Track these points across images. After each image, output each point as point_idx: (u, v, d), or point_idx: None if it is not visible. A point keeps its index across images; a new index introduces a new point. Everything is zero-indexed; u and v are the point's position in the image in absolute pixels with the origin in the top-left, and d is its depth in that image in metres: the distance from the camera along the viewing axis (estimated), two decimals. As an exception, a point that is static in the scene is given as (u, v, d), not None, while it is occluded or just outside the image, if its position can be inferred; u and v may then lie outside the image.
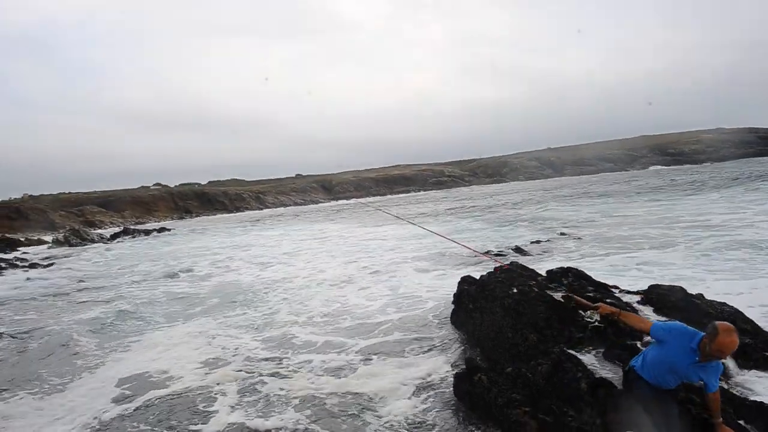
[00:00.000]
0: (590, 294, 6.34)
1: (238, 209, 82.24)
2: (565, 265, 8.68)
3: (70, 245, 35.70)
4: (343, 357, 7.17)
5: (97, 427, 5.72)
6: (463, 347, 6.93)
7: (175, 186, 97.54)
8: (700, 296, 6.17)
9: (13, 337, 9.94)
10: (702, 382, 3.55)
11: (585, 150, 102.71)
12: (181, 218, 74.29)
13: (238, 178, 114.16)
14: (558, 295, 6.11)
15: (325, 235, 26.94)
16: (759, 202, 20.47)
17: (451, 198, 55.16)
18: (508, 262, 8.91)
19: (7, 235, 42.92)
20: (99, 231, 49.02)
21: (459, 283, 8.28)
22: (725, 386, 4.42)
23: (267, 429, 5.29)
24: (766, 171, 36.94)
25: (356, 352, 7.31)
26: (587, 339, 5.32)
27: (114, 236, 40.29)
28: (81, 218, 65.94)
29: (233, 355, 7.71)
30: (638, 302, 6.45)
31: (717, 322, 3.38)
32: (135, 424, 5.70)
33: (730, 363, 4.79)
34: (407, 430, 4.94)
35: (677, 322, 4.38)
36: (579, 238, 16.05)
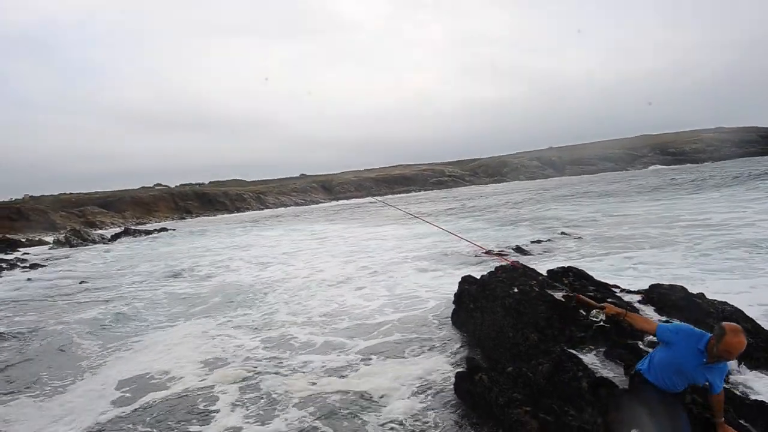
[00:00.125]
0: (591, 293, 6.34)
1: (238, 209, 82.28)
2: (566, 264, 8.67)
3: (71, 246, 35.74)
4: (343, 357, 7.17)
5: (98, 428, 5.72)
6: (463, 347, 6.93)
7: (176, 186, 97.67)
8: (701, 295, 6.16)
9: (14, 338, 9.95)
10: (708, 384, 3.54)
11: (586, 149, 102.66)
12: (182, 218, 74.34)
13: (238, 178, 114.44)
14: (559, 295, 6.10)
15: (325, 235, 26.94)
16: (759, 201, 20.46)
17: (451, 198, 55.14)
18: (508, 262, 8.92)
19: (8, 236, 43.03)
20: (100, 231, 49.03)
21: (460, 282, 8.28)
22: (726, 386, 4.41)
23: (268, 429, 5.29)
24: (767, 170, 36.88)
25: (356, 353, 7.30)
26: (588, 338, 5.31)
27: (115, 237, 40.33)
28: (82, 219, 66.02)
29: (233, 356, 7.71)
30: (639, 302, 6.44)
31: (724, 323, 3.36)
32: (136, 425, 5.70)
33: (730, 362, 4.78)
34: (409, 429, 4.94)
35: (683, 323, 4.37)
36: (580, 238, 16.04)
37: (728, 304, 5.86)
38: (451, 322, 7.98)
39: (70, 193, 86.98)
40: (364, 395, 5.78)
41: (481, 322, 6.84)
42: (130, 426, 5.67)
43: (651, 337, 4.66)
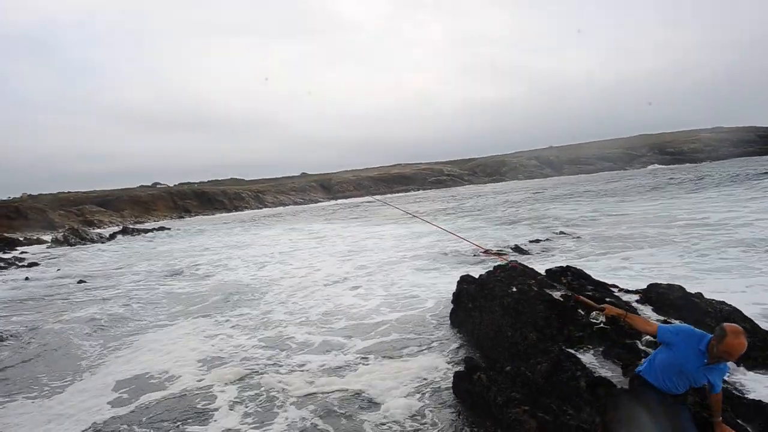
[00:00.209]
0: (589, 293, 6.35)
1: (237, 208, 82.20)
2: (565, 264, 8.69)
3: (70, 244, 35.67)
4: (341, 357, 7.17)
5: (98, 429, 5.71)
6: (462, 346, 6.93)
7: (175, 185, 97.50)
8: (699, 295, 6.17)
9: (13, 337, 9.94)
10: (708, 384, 3.54)
11: (584, 149, 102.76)
12: (181, 217, 74.25)
13: (237, 177, 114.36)
14: (557, 294, 6.11)
15: (324, 235, 26.93)
16: (756, 200, 20.51)
17: (450, 197, 55.16)
18: (508, 262, 8.92)
19: (6, 235, 42.90)
20: (98, 230, 48.98)
21: (458, 282, 8.28)
22: (723, 385, 4.42)
23: (267, 429, 5.29)
24: (764, 169, 36.96)
25: (355, 352, 7.30)
26: (587, 338, 5.32)
27: (113, 236, 40.25)
28: (80, 218, 65.89)
29: (232, 355, 7.70)
30: (637, 301, 6.45)
31: (725, 324, 3.36)
32: (135, 425, 5.69)
33: (729, 362, 4.79)
34: (407, 429, 4.94)
35: (683, 324, 4.37)
36: (578, 237, 16.06)
37: (726, 304, 5.87)
38: (449, 321, 7.99)
39: (69, 192, 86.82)
40: (363, 395, 5.78)
41: (479, 321, 6.84)
42: (129, 426, 5.66)
43: (648, 336, 4.66)
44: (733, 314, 5.59)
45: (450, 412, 5.12)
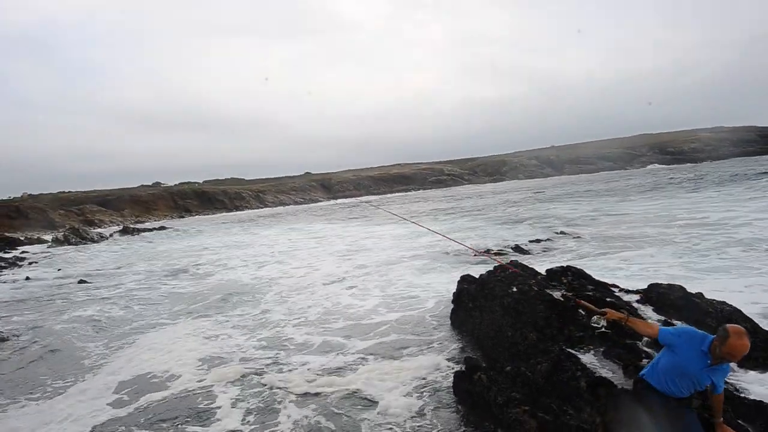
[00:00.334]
0: (590, 293, 6.34)
1: (237, 208, 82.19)
2: (565, 264, 8.68)
3: (70, 244, 35.66)
4: (341, 357, 7.16)
5: (99, 429, 5.71)
6: (462, 346, 6.93)
7: (175, 185, 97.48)
8: (700, 295, 6.17)
9: (13, 338, 9.93)
10: (711, 385, 3.53)
11: (584, 149, 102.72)
12: (181, 217, 74.25)
13: (237, 177, 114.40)
14: (558, 294, 6.10)
15: (323, 234, 26.93)
16: (756, 200, 20.51)
17: (450, 197, 55.14)
18: (507, 262, 8.92)
19: (7, 234, 42.87)
20: (99, 230, 48.97)
21: (459, 282, 8.28)
22: (724, 385, 4.42)
23: (267, 428, 5.29)
24: (764, 169, 36.94)
25: (354, 352, 7.30)
26: (587, 338, 5.31)
27: (114, 235, 40.27)
28: (81, 217, 65.86)
29: (232, 355, 7.70)
30: (638, 301, 6.45)
31: (728, 325, 3.35)
32: (136, 425, 5.69)
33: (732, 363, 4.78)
34: (407, 428, 4.94)
35: (685, 326, 4.36)
36: (578, 237, 16.05)
37: (727, 304, 5.87)
38: (449, 321, 7.98)
39: (69, 192, 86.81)
40: (363, 394, 5.78)
41: (480, 321, 6.84)
42: (131, 427, 5.66)
43: (648, 338, 4.65)
44: (734, 314, 5.59)
45: (450, 412, 5.12)
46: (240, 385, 6.49)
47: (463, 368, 5.40)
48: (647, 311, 6.14)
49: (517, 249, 14.55)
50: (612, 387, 4.30)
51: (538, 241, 15.88)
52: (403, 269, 13.47)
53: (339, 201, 79.69)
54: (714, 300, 6.03)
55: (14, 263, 24.83)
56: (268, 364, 7.13)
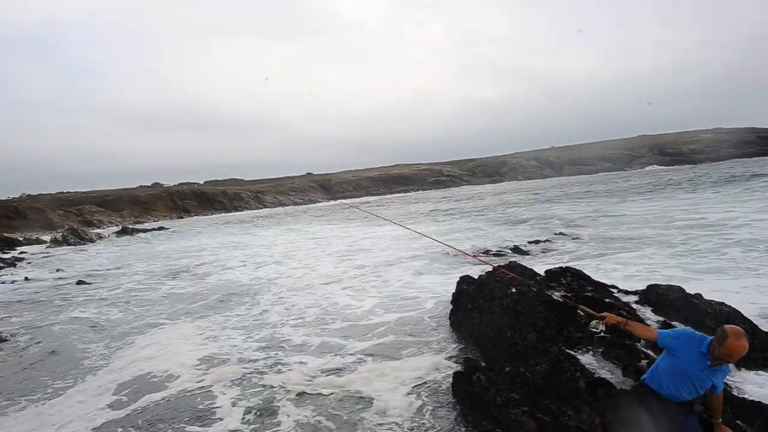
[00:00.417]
0: (589, 294, 6.35)
1: (236, 209, 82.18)
2: (564, 264, 8.69)
3: (69, 244, 35.64)
4: (339, 358, 7.15)
5: (100, 430, 5.70)
6: (461, 347, 6.93)
7: (174, 186, 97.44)
8: (699, 296, 6.17)
9: (11, 338, 9.92)
10: (711, 386, 3.53)
11: (585, 150, 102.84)
12: (180, 218, 74.23)
13: (237, 177, 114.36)
14: (557, 295, 6.11)
15: (322, 235, 26.93)
16: (754, 201, 20.53)
17: (449, 197, 55.15)
18: (507, 263, 8.92)
19: (6, 235, 42.85)
20: (97, 230, 48.96)
21: (458, 282, 8.28)
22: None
23: (267, 428, 5.29)
24: (763, 171, 36.99)
25: (353, 353, 7.28)
26: (586, 339, 5.31)
27: (112, 236, 40.23)
28: (79, 218, 65.84)
29: (230, 355, 7.69)
30: (637, 302, 6.45)
31: (726, 326, 3.36)
32: (135, 426, 5.68)
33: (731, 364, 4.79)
34: (406, 429, 4.94)
35: (683, 328, 4.36)
36: (578, 238, 16.06)
37: (726, 305, 5.87)
38: (448, 322, 7.98)
39: (68, 192, 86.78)
40: (362, 394, 5.78)
41: (479, 322, 6.84)
42: (131, 427, 5.65)
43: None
44: (733, 315, 5.60)
45: (449, 413, 5.11)
46: (239, 385, 6.48)
47: (462, 369, 5.40)
48: (646, 312, 6.14)
49: (516, 250, 14.55)
50: (611, 388, 4.30)
51: (537, 241, 15.88)
52: (402, 270, 13.47)
53: (338, 201, 79.64)
54: (713, 301, 6.04)
55: (13, 264, 24.81)
56: (267, 365, 7.12)
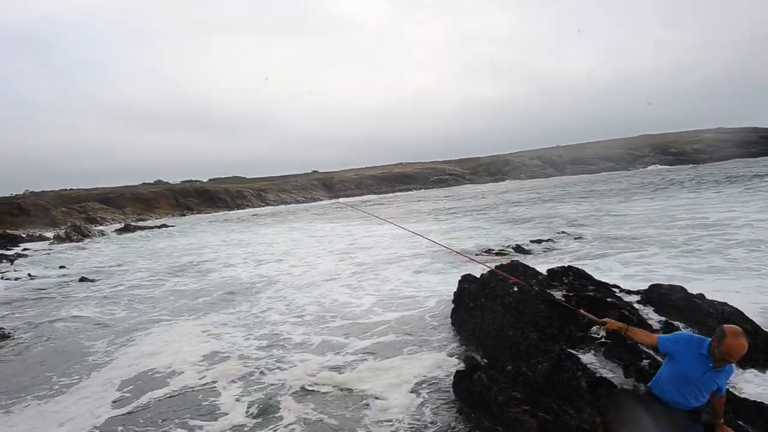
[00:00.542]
0: (591, 293, 6.35)
1: (239, 206, 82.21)
2: (566, 264, 8.69)
3: (72, 241, 35.76)
4: (340, 356, 7.17)
5: (103, 427, 5.73)
6: (463, 345, 6.94)
7: (177, 183, 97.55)
8: (701, 296, 6.17)
9: (15, 335, 9.97)
10: (717, 389, 3.52)
11: (587, 149, 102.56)
12: (182, 215, 74.32)
13: (239, 175, 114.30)
14: (559, 294, 6.12)
15: (324, 233, 26.95)
16: (756, 201, 20.48)
17: (452, 196, 55.12)
18: (509, 262, 8.92)
19: (9, 231, 43.00)
20: (100, 227, 49.09)
21: (459, 281, 8.28)
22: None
23: (269, 424, 5.32)
24: (765, 171, 36.87)
25: (354, 351, 7.30)
26: (587, 338, 5.32)
27: (115, 233, 40.35)
28: (82, 215, 65.99)
29: (232, 352, 7.72)
30: (638, 302, 6.45)
31: (725, 326, 3.35)
32: (139, 423, 5.72)
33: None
34: (407, 427, 4.96)
35: (682, 331, 4.36)
36: (580, 237, 16.04)
37: (728, 305, 5.88)
38: (450, 320, 7.99)
39: (71, 189, 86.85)
40: (363, 392, 5.80)
41: (480, 320, 6.85)
42: (135, 423, 5.69)
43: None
44: (735, 315, 5.60)
45: (450, 411, 5.13)
46: (241, 381, 6.51)
47: (464, 367, 5.41)
48: (648, 312, 6.14)
49: (519, 249, 14.55)
50: (612, 387, 4.31)
51: (539, 241, 15.86)
52: (403, 268, 13.49)
53: (341, 200, 79.66)
54: (715, 301, 6.04)
55: (16, 260, 24.89)
56: (268, 362, 7.15)
